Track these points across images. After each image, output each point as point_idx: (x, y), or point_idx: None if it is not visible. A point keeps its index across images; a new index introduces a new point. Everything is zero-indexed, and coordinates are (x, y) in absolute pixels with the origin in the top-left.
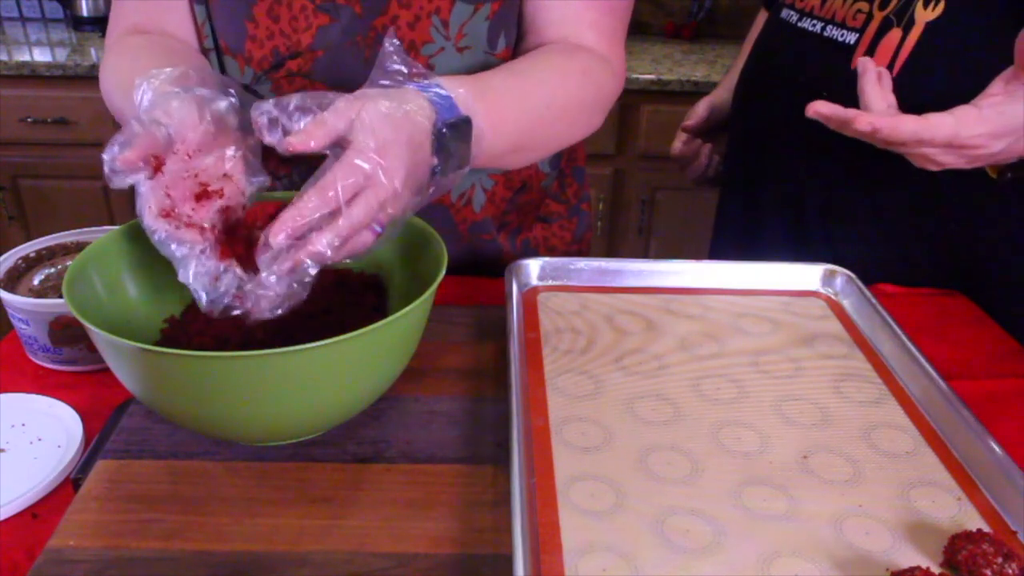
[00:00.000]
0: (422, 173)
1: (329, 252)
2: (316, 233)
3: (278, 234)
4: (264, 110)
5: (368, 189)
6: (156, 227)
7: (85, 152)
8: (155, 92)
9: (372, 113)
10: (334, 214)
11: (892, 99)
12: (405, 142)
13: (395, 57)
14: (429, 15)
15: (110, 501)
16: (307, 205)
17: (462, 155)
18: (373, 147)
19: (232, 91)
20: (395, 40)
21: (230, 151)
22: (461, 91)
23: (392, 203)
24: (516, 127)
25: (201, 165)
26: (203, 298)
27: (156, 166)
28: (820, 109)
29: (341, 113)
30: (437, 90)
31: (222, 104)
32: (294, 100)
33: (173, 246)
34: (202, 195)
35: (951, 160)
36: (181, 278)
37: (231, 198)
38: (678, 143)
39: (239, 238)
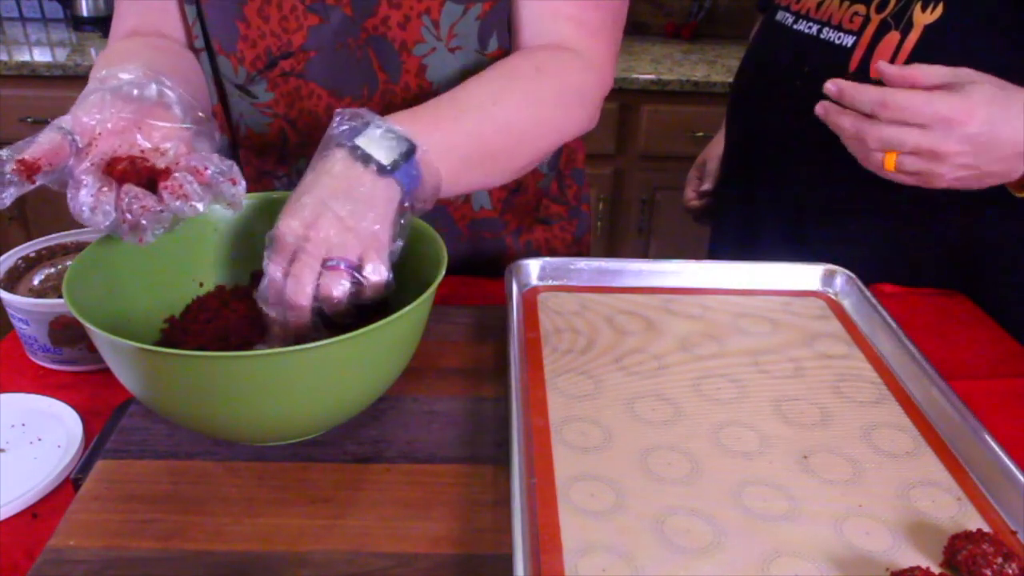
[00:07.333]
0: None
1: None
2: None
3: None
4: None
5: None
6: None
7: None
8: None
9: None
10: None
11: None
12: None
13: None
14: (419, 15)
15: (110, 501)
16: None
17: (413, 175)
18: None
19: (169, 81)
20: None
21: (160, 126)
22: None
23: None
24: (463, 148)
25: (126, 148)
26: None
27: (30, 174)
28: (818, 110)
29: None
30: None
31: (151, 90)
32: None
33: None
34: (149, 173)
35: (942, 170)
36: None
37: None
38: (695, 200)
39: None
